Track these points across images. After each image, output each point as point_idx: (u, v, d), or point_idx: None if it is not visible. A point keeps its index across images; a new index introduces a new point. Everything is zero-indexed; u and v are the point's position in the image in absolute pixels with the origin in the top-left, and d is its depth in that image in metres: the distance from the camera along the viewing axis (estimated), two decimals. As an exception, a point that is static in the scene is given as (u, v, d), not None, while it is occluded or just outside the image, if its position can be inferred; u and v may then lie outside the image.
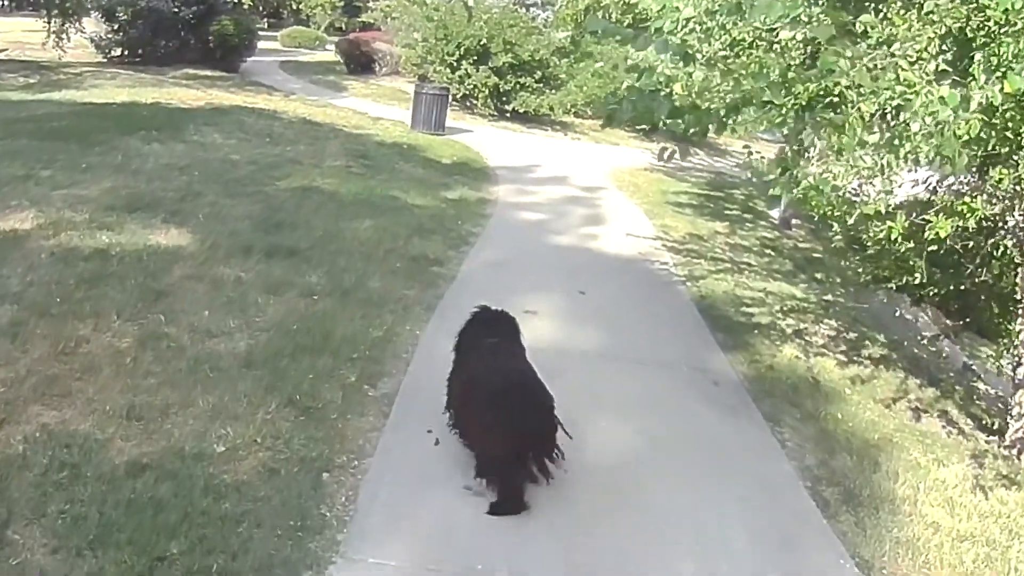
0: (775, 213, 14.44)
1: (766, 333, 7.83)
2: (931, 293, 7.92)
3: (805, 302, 9.53)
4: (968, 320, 8.71)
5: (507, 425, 3.93)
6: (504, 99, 20.62)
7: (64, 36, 20.34)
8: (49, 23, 20.01)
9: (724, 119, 4.68)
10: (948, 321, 9.22)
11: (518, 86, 20.56)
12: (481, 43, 20.36)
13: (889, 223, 5.18)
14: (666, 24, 5.88)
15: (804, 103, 4.49)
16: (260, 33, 39.35)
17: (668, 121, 4.81)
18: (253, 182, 9.41)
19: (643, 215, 12.62)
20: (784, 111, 4.52)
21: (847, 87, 4.13)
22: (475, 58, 20.37)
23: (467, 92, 20.55)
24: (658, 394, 5.88)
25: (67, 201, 7.63)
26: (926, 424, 6.84)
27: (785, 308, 8.96)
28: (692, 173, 18.73)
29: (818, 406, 6.36)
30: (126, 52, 22.39)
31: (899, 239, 5.19)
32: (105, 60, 22.15)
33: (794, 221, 13.97)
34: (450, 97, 18.62)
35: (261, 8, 45.12)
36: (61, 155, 9.23)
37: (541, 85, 20.95)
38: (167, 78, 19.02)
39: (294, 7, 44.42)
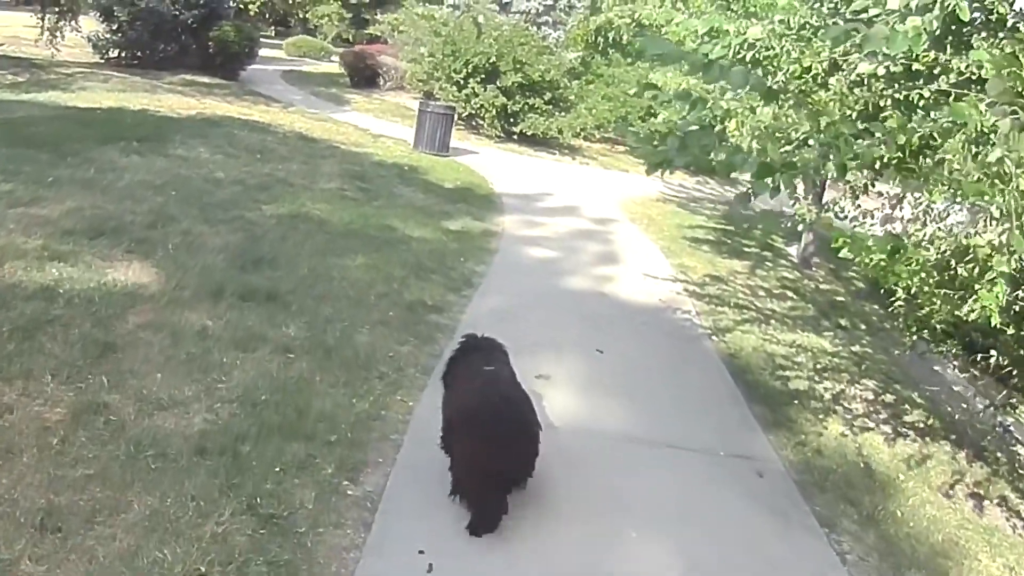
0: (793, 251, 13.76)
1: (806, 403, 6.95)
2: (991, 362, 7.06)
3: (837, 357, 8.74)
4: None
5: (482, 447, 3.87)
6: (512, 120, 19.74)
7: (58, 34, 19.52)
8: (43, 19, 19.15)
9: (819, 171, 3.76)
10: (998, 386, 8.40)
11: (527, 107, 19.71)
12: (490, 61, 19.49)
13: (983, 298, 4.26)
14: (715, 49, 5.01)
15: (906, 155, 3.60)
16: (265, 41, 38.85)
17: (755, 180, 3.86)
18: (235, 206, 8.48)
19: (659, 252, 11.75)
20: (882, 162, 3.64)
21: (968, 141, 3.25)
22: (483, 76, 19.51)
23: (473, 112, 19.68)
24: (696, 493, 4.94)
25: (21, 222, 6.71)
26: (987, 515, 6.01)
27: (819, 367, 8.18)
28: (705, 205, 17.93)
29: (875, 502, 5.48)
30: (123, 54, 21.58)
31: (994, 314, 4.27)
32: (102, 61, 21.33)
33: (814, 260, 13.17)
34: (455, 116, 17.76)
35: (267, 16, 44.67)
36: (28, 166, 8.33)
37: (551, 107, 20.08)
38: (162, 83, 18.18)
39: (301, 16, 43.78)
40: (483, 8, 23.67)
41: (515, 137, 19.88)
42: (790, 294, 11.27)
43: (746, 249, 13.64)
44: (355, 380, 5.19)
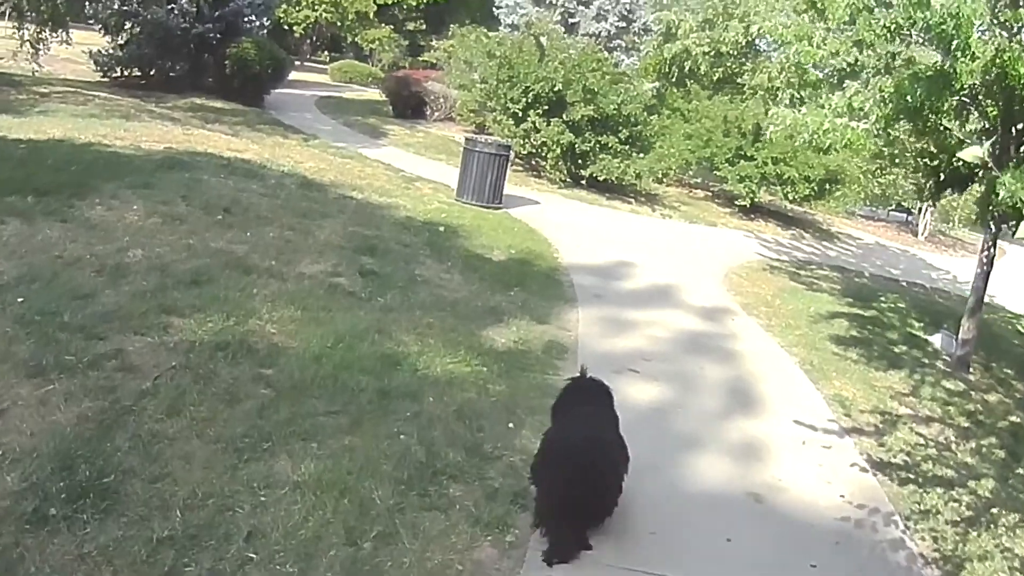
0: (937, 341, 10.48)
1: None
2: None
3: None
4: None
5: (552, 484, 3.93)
6: (580, 162, 15.98)
7: (42, 47, 16.44)
8: (20, 30, 16.06)
9: None
10: None
11: (598, 146, 15.93)
12: (554, 89, 15.72)
13: None
14: None
15: None
16: (313, 66, 35.98)
17: None
18: (121, 325, 4.86)
19: (800, 372, 7.95)
20: None
21: None
22: (546, 107, 15.77)
23: (533, 150, 15.95)
24: None
25: None
26: None
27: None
28: (816, 272, 14.17)
29: None
30: (127, 72, 18.58)
31: None
32: (107, 80, 18.36)
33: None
34: (512, 155, 14.14)
35: (315, 39, 41.83)
36: None
37: (627, 147, 16.28)
38: (156, 108, 14.96)
39: (351, 40, 40.82)
40: (546, 28, 20.08)
41: (583, 182, 16.16)
42: (966, 423, 7.80)
43: (894, 348, 9.84)
44: None
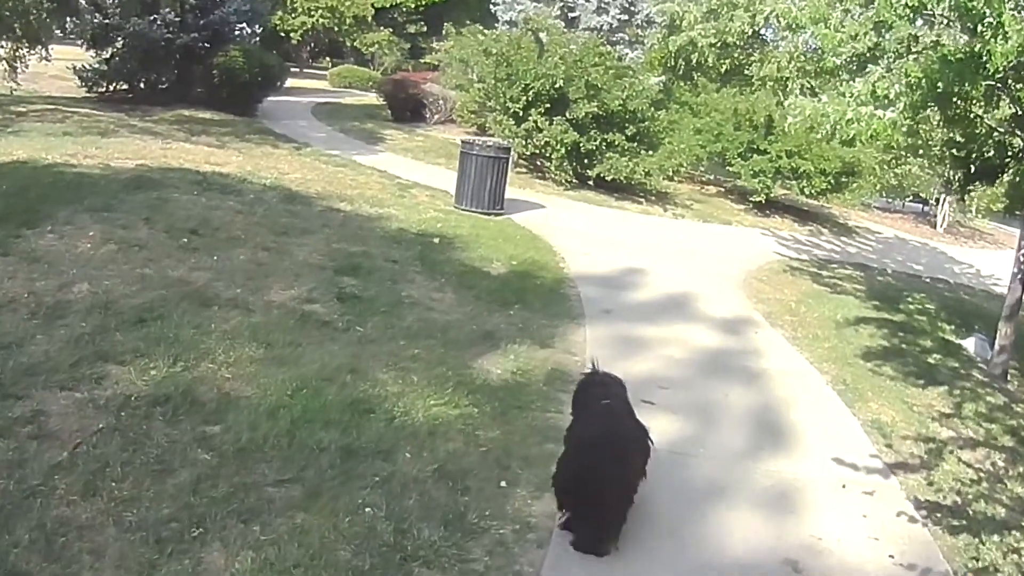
0: (971, 346, 9.80)
1: None
2: None
3: None
4: None
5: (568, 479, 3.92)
6: (586, 161, 15.19)
7: (19, 65, 15.79)
8: (-6, 49, 15.46)
9: None
10: None
11: (604, 144, 15.15)
12: (556, 86, 14.93)
13: None
14: None
15: None
16: (314, 72, 35.28)
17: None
18: (49, 380, 4.13)
19: (832, 391, 7.14)
20: None
21: None
22: (547, 106, 14.99)
23: (536, 150, 15.17)
24: None
25: None
26: None
27: None
28: (837, 271, 13.39)
29: None
30: (112, 87, 17.92)
31: None
32: (92, 96, 17.73)
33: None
34: (514, 157, 13.34)
35: (313, 46, 41.17)
36: None
37: (634, 144, 15.50)
38: (139, 122, 14.31)
39: (350, 45, 40.02)
40: (545, 23, 19.30)
41: (590, 183, 15.38)
42: (1011, 443, 6.95)
43: (928, 358, 9.00)
44: None
